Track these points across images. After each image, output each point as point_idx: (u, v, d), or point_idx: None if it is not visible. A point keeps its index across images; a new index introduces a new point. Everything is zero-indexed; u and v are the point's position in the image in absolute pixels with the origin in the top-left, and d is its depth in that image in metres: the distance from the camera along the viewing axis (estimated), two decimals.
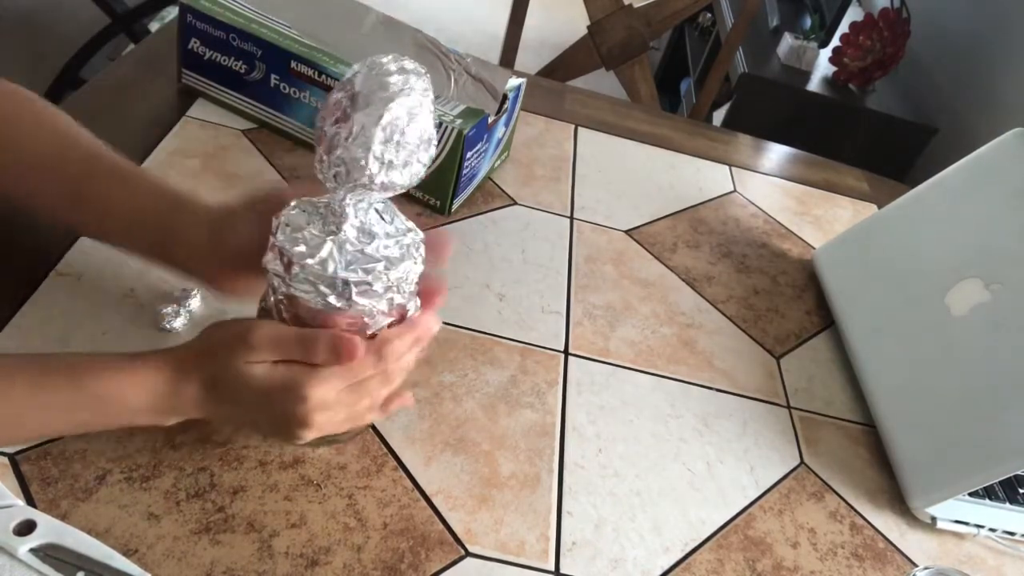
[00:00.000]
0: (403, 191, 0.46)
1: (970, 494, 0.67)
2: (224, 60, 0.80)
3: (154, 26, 1.99)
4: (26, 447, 0.51)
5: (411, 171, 0.45)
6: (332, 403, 0.47)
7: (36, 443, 0.52)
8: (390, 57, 0.45)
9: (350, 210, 0.46)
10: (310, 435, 0.49)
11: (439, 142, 0.73)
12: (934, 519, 0.65)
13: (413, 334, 0.50)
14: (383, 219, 0.48)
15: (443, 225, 0.80)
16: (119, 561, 0.42)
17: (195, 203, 0.55)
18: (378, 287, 0.46)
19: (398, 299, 0.48)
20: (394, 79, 0.43)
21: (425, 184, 0.79)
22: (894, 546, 0.64)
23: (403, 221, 0.49)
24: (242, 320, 0.49)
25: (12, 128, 0.56)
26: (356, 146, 0.43)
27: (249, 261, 0.49)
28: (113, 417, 0.49)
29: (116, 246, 0.58)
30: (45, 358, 0.49)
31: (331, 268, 0.45)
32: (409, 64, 0.45)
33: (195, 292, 0.63)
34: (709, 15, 2.54)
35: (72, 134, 0.57)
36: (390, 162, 0.44)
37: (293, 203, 0.48)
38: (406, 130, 0.43)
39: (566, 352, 0.71)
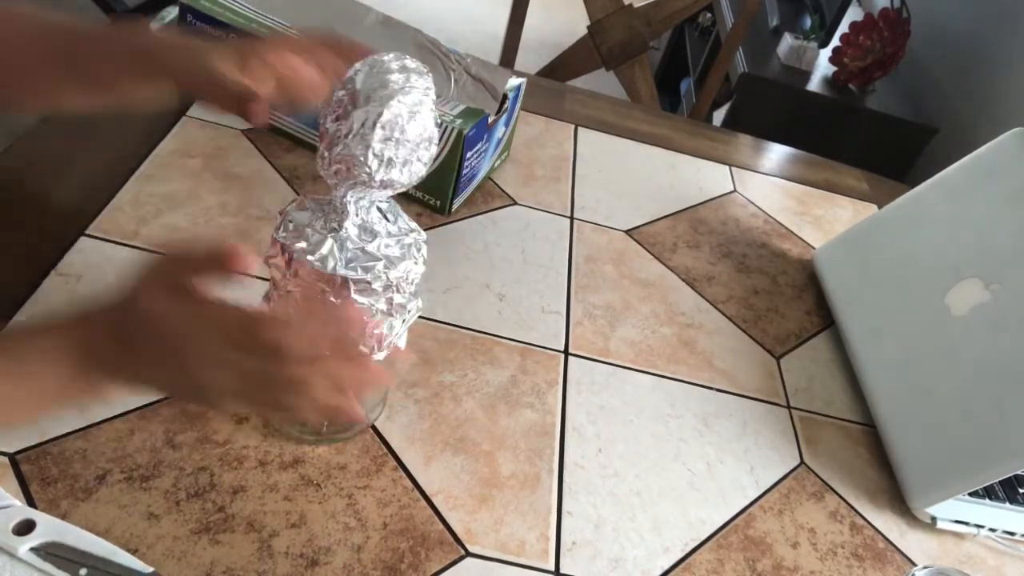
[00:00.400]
0: (403, 189, 0.46)
1: (970, 494, 0.67)
2: None
3: (154, 26, 1.98)
4: (26, 447, 0.51)
5: (411, 169, 0.45)
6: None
7: (36, 443, 0.52)
8: (392, 55, 0.45)
9: (351, 208, 0.46)
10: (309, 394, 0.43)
11: (439, 142, 0.73)
12: (934, 519, 0.65)
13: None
14: (386, 218, 0.48)
15: (443, 225, 0.80)
16: (122, 557, 0.42)
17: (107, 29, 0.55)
18: (377, 286, 0.46)
19: (398, 299, 0.48)
20: (395, 77, 0.43)
21: (425, 184, 0.79)
22: (894, 546, 0.64)
23: (406, 221, 0.49)
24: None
25: None
26: (356, 143, 0.43)
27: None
28: (29, 379, 0.44)
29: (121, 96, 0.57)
30: None
31: (331, 265, 0.45)
32: (411, 63, 0.45)
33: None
34: (709, 15, 2.53)
35: (35, 15, 0.57)
36: (390, 160, 0.44)
37: (296, 200, 0.48)
38: (406, 128, 0.43)
39: (566, 352, 0.71)
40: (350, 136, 0.43)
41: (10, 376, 0.43)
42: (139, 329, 0.43)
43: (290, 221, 0.47)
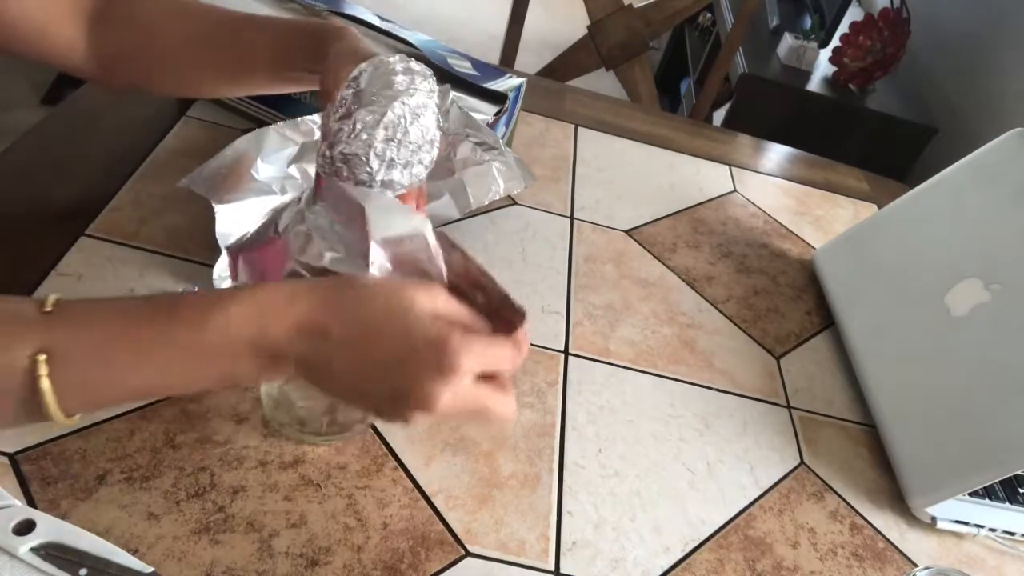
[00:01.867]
0: (404, 191, 0.46)
1: (970, 494, 0.67)
2: None
3: None
4: (26, 447, 0.51)
5: (412, 171, 0.45)
6: (467, 385, 0.41)
7: (36, 443, 0.52)
8: (397, 57, 0.45)
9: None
10: (428, 416, 0.42)
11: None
12: (934, 519, 0.65)
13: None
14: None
15: (443, 225, 0.80)
16: (121, 556, 0.42)
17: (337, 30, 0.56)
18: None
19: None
20: (400, 79, 0.43)
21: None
22: (894, 546, 0.64)
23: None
24: (441, 324, 0.42)
25: (152, 24, 0.61)
26: (358, 143, 0.43)
27: None
28: (209, 357, 0.41)
29: (279, 81, 0.62)
30: (116, 298, 0.43)
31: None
32: (416, 65, 0.45)
33: (195, 290, 0.63)
34: (709, 15, 2.54)
35: (193, 7, 0.62)
36: (391, 160, 0.44)
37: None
38: (409, 130, 0.44)
39: (566, 352, 0.71)
40: (352, 136, 0.43)
41: (189, 333, 0.40)
42: (375, 334, 0.41)
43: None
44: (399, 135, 0.43)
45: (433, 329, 0.41)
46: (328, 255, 0.46)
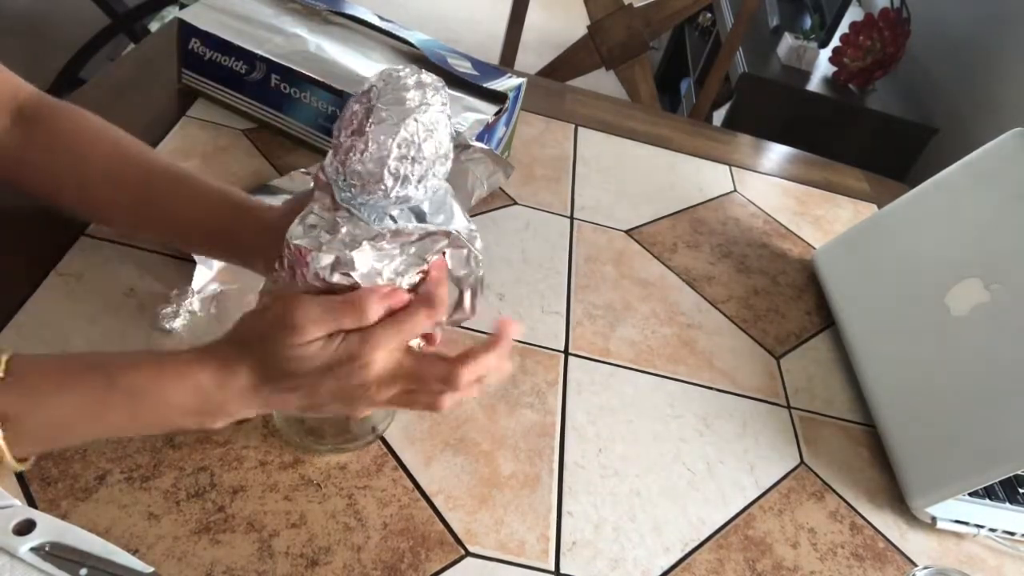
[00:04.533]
0: (419, 204, 0.46)
1: (970, 494, 0.67)
2: (224, 60, 0.80)
3: (154, 26, 1.99)
4: None
5: (427, 184, 0.44)
6: (393, 371, 0.47)
7: None
8: (408, 70, 0.44)
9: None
10: (375, 406, 0.48)
11: None
12: (934, 519, 0.65)
13: (491, 353, 0.49)
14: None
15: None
16: (122, 556, 0.42)
17: (256, 208, 0.56)
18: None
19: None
20: (411, 95, 0.42)
21: None
22: (894, 546, 0.64)
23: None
24: (278, 302, 0.46)
25: (76, 146, 0.58)
26: (372, 162, 0.42)
27: None
28: (150, 417, 0.46)
29: (184, 248, 0.62)
30: (64, 358, 0.47)
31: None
32: (427, 77, 0.44)
33: (194, 292, 0.63)
34: (709, 15, 2.54)
35: (128, 146, 0.60)
36: (406, 177, 0.43)
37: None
38: (423, 146, 0.43)
39: (566, 352, 0.71)
40: (366, 154, 0.42)
41: (128, 399, 0.45)
42: (285, 374, 0.46)
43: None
44: (413, 152, 0.43)
45: (327, 354, 0.45)
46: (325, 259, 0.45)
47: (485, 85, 0.80)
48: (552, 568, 0.55)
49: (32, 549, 0.41)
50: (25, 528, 0.42)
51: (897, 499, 0.67)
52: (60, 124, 0.58)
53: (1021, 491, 0.70)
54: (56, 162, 0.58)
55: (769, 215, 0.98)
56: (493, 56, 1.40)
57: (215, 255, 0.61)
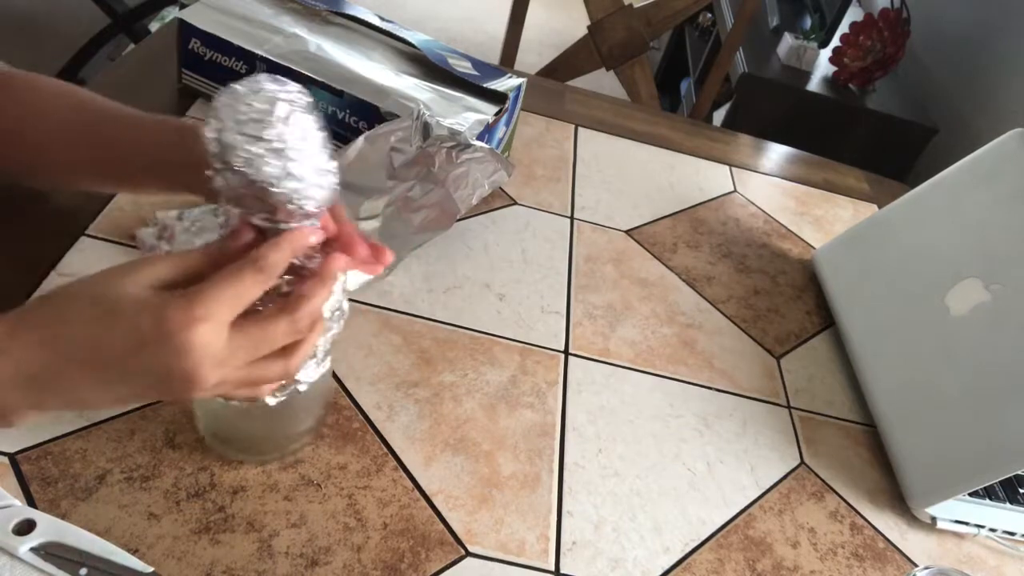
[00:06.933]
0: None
1: (970, 494, 0.67)
2: (224, 60, 0.80)
3: (154, 26, 1.99)
4: (26, 447, 0.51)
5: (288, 167, 0.41)
6: (225, 347, 0.40)
7: (36, 443, 0.52)
8: (245, 88, 0.42)
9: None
10: (201, 392, 0.40)
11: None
12: (934, 519, 0.65)
13: (323, 284, 0.44)
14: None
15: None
16: (121, 556, 0.42)
17: (196, 127, 0.53)
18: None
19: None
20: (254, 109, 0.41)
21: None
22: (894, 546, 0.64)
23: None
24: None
25: (35, 102, 0.57)
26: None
27: None
28: None
29: (138, 189, 0.62)
30: None
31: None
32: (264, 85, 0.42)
33: None
34: (709, 15, 2.53)
35: (83, 98, 0.58)
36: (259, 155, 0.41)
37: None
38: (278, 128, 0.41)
39: (566, 352, 0.71)
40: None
41: None
42: (83, 340, 0.39)
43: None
44: (266, 133, 0.40)
45: (145, 302, 0.39)
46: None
47: (485, 85, 0.80)
48: (552, 568, 0.55)
49: (32, 549, 0.41)
50: (25, 528, 0.42)
51: (897, 499, 0.67)
52: (15, 83, 0.58)
53: (1021, 491, 0.70)
54: (26, 128, 0.57)
55: (769, 215, 0.98)
56: (493, 56, 1.40)
57: (165, 186, 0.58)
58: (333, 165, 0.43)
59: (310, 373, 0.49)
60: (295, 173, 0.41)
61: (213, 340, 0.39)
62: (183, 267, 0.42)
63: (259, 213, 0.42)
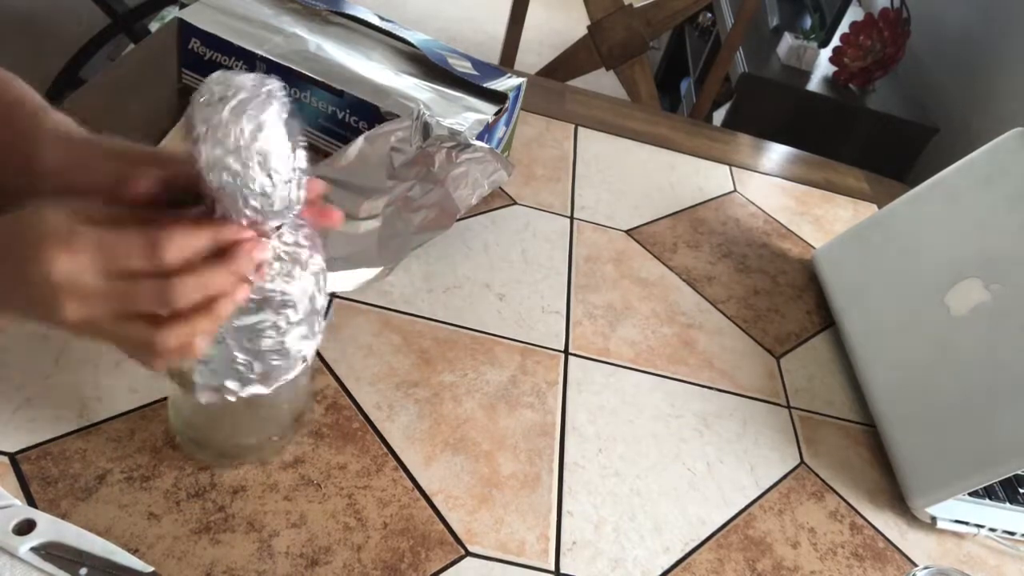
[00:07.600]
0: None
1: (970, 494, 0.67)
2: (224, 60, 0.80)
3: (154, 26, 1.99)
4: (26, 447, 0.51)
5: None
6: (88, 272, 0.38)
7: (36, 443, 0.52)
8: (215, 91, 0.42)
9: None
10: (70, 315, 0.38)
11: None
12: (934, 519, 0.65)
13: (207, 231, 0.41)
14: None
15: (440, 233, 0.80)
16: (121, 556, 0.42)
17: (63, 123, 0.52)
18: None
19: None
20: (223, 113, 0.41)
21: None
22: (894, 546, 0.64)
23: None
24: None
25: None
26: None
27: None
28: None
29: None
30: None
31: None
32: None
33: None
34: (709, 15, 2.54)
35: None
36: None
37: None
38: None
39: (566, 352, 0.71)
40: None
41: None
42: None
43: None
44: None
45: (41, 213, 0.38)
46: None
47: (485, 85, 0.80)
48: (552, 568, 0.55)
49: (32, 549, 0.41)
50: (25, 528, 0.42)
51: (897, 499, 0.67)
52: None
53: (1021, 491, 0.70)
54: None
55: (769, 215, 0.98)
56: (493, 56, 1.40)
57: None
58: (287, 166, 0.42)
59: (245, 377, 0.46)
60: (251, 177, 0.40)
61: (70, 260, 0.38)
62: (112, 215, 0.40)
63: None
